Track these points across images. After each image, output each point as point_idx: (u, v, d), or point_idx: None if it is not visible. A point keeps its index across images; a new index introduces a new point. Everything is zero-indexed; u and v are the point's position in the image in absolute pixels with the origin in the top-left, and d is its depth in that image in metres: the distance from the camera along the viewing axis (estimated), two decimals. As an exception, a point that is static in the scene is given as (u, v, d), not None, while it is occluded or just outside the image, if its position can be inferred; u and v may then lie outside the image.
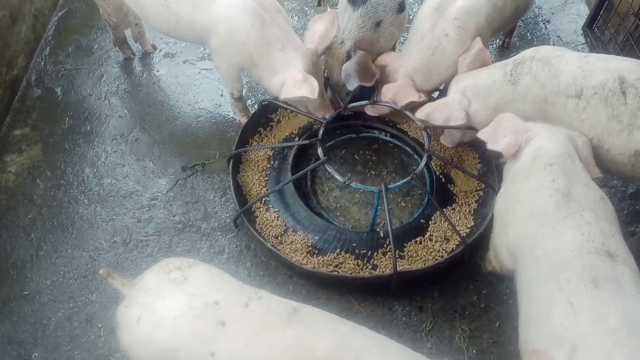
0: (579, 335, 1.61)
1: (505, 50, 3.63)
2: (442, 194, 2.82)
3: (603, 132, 2.20)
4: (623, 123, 2.14)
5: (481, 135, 2.32)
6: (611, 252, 1.75)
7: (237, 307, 1.67)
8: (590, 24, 3.70)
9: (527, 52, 2.50)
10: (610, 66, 2.23)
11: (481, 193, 2.81)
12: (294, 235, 2.65)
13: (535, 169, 2.02)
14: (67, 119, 3.31)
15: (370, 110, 2.96)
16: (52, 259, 2.71)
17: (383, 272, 2.52)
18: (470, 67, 2.65)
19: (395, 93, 2.74)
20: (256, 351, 1.61)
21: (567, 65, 2.30)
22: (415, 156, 3.07)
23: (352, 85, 2.79)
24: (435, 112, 2.64)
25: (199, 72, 3.60)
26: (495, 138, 2.24)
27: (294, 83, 2.60)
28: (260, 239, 2.58)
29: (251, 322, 1.64)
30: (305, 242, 2.61)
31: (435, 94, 3.08)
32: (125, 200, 2.94)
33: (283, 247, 2.61)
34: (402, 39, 3.29)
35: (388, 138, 3.17)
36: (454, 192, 2.85)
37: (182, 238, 2.81)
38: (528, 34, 3.81)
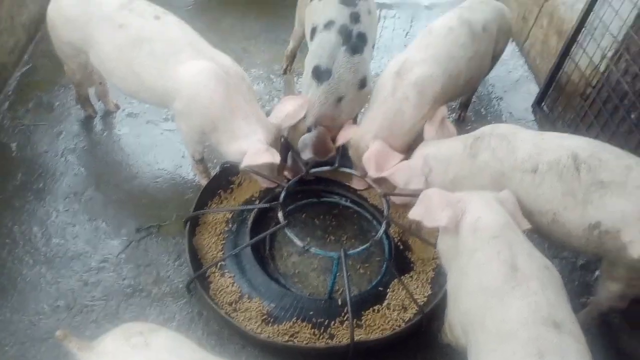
0: None
1: (461, 123, 3.79)
2: (400, 262, 2.82)
3: (558, 206, 2.27)
4: (577, 198, 2.22)
5: (412, 216, 2.28)
6: (557, 322, 1.74)
7: None
8: (539, 102, 3.93)
9: (486, 129, 2.60)
10: (564, 144, 2.33)
11: (438, 261, 2.81)
12: (249, 302, 2.57)
13: (480, 243, 2.03)
14: (20, 175, 3.20)
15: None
16: (-13, 324, 2.54)
17: (340, 342, 2.45)
18: (438, 134, 2.74)
19: (377, 159, 2.75)
20: None
21: (523, 142, 2.40)
22: (375, 222, 3.09)
23: (307, 155, 2.85)
24: (398, 174, 2.69)
25: (162, 133, 3.59)
26: (431, 215, 2.20)
27: (256, 152, 2.64)
28: (214, 305, 2.48)
29: None
30: (260, 310, 2.53)
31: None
32: (73, 261, 2.81)
33: (237, 315, 2.52)
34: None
35: (348, 204, 3.19)
36: (412, 259, 2.85)
37: (131, 303, 2.68)
38: (482, 109, 4.00)
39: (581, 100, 3.46)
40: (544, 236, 2.46)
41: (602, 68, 3.30)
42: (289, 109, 2.84)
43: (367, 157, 2.78)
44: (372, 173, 2.75)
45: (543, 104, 3.90)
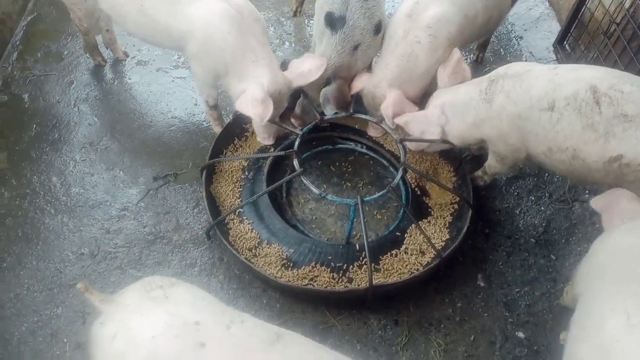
0: (629, 351, 1.51)
1: (479, 65, 3.68)
2: (417, 207, 2.82)
3: (578, 142, 2.22)
4: (599, 132, 2.17)
5: (594, 204, 2.14)
6: None
7: (218, 329, 1.60)
8: (561, 41, 3.79)
9: (500, 70, 2.53)
10: (581, 76, 2.26)
11: (456, 206, 2.82)
12: (268, 247, 2.60)
13: None
14: (34, 126, 3.21)
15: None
16: (16, 271, 2.60)
17: (359, 285, 2.49)
18: (451, 79, 2.67)
19: (395, 109, 2.70)
20: None
21: (538, 79, 2.34)
22: (391, 169, 3.07)
23: (330, 110, 2.81)
24: (414, 123, 2.65)
25: (173, 81, 3.54)
26: (612, 215, 2.06)
27: (251, 100, 2.56)
28: (234, 251, 2.52)
29: (232, 346, 1.57)
30: (279, 255, 2.57)
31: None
32: (94, 210, 2.85)
33: (257, 260, 2.56)
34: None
35: (364, 150, 3.16)
36: (429, 205, 2.85)
37: (153, 250, 2.73)
38: (501, 49, 3.87)
39: (604, 38, 3.33)
40: (563, 173, 2.44)
41: (627, 4, 3.15)
42: (304, 68, 2.74)
43: (385, 107, 2.72)
44: (391, 123, 2.71)
45: (565, 42, 3.77)
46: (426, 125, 2.63)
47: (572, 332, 1.78)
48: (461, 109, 2.57)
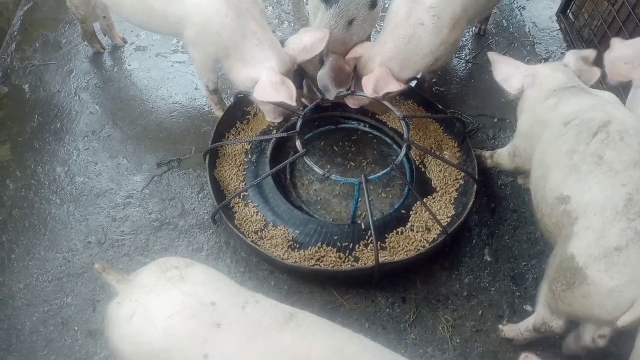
0: None
1: (481, 37, 3.63)
2: (422, 184, 2.81)
3: (553, 162, 2.11)
4: (572, 160, 2.02)
5: None
6: None
7: (234, 309, 1.63)
8: (564, 10, 3.72)
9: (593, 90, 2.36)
10: (612, 111, 2.11)
11: (461, 182, 2.80)
12: (274, 229, 2.61)
13: None
14: (36, 116, 3.20)
15: (350, 102, 2.93)
16: (24, 262, 2.63)
17: (365, 264, 2.50)
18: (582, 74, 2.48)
19: (376, 83, 2.67)
20: (251, 354, 1.57)
21: (591, 98, 2.21)
22: (395, 146, 3.05)
23: (332, 95, 2.75)
24: (501, 64, 2.53)
25: (172, 65, 3.51)
26: None
27: (271, 85, 2.50)
28: (240, 234, 2.53)
29: (247, 325, 1.61)
30: (285, 237, 2.58)
31: (413, 83, 3.07)
32: (99, 198, 2.86)
33: (263, 243, 2.57)
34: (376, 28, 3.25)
35: (367, 129, 3.14)
36: (434, 181, 2.83)
37: (159, 236, 2.74)
38: (504, 21, 3.80)
39: (608, 5, 3.26)
40: (533, 195, 2.30)
41: (632, -32, 3.07)
42: (306, 42, 2.68)
43: (366, 79, 2.69)
44: (369, 93, 2.67)
45: (568, 11, 3.70)
46: (512, 72, 2.48)
47: None
48: (539, 85, 2.40)
